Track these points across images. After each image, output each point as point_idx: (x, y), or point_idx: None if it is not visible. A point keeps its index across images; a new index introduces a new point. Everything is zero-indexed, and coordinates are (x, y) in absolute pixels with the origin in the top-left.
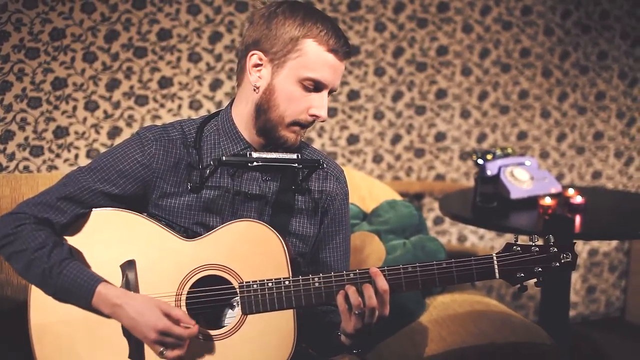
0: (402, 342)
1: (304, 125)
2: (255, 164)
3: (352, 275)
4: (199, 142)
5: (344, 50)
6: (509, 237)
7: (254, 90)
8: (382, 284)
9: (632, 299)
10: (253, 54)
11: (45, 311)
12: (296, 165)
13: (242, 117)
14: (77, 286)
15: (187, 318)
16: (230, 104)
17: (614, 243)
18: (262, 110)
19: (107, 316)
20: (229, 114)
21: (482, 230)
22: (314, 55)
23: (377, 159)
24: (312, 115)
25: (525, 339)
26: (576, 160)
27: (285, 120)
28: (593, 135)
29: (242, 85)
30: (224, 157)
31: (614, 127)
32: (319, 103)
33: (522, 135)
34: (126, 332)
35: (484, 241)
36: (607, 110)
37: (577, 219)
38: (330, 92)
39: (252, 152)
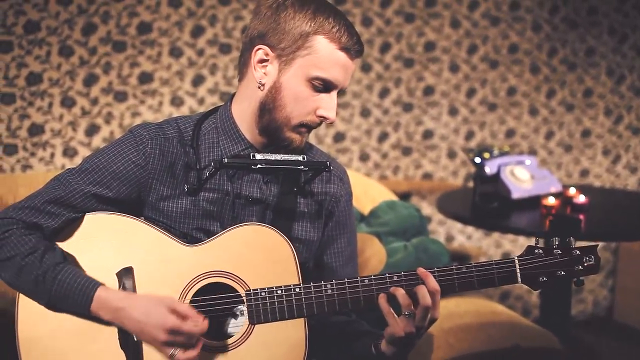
0: None
1: (311, 127)
2: (259, 166)
3: (366, 282)
4: (196, 140)
5: (356, 48)
6: (496, 237)
7: (259, 87)
8: (433, 284)
9: (619, 299)
10: (259, 49)
11: (34, 324)
12: (302, 167)
13: (244, 115)
14: (73, 291)
15: (195, 313)
16: (230, 100)
17: (602, 242)
18: (267, 110)
19: (107, 323)
20: (229, 111)
21: (469, 230)
22: (325, 54)
23: (364, 157)
24: (319, 117)
25: (535, 344)
26: (564, 158)
27: (292, 121)
28: (581, 133)
29: (245, 80)
30: (225, 160)
31: (601, 125)
32: (328, 104)
33: (510, 133)
34: (124, 344)
35: (472, 241)
36: (595, 108)
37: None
38: (339, 92)
39: (255, 154)
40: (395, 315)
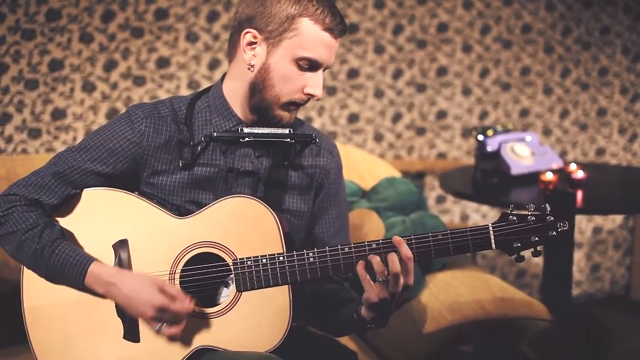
0: (402, 319)
1: (299, 104)
2: (247, 139)
3: (346, 249)
4: (189, 118)
5: (340, 28)
6: None
7: (249, 68)
8: (406, 251)
9: (637, 277)
10: (247, 32)
11: (38, 294)
12: (288, 140)
13: (235, 94)
14: (69, 266)
15: (182, 294)
16: (221, 80)
17: (619, 220)
18: (257, 90)
19: (101, 296)
20: (220, 90)
21: (484, 209)
22: (310, 35)
23: (378, 138)
24: (307, 94)
25: (525, 315)
26: (579, 137)
27: (281, 99)
28: (596, 112)
29: (235, 61)
30: (215, 133)
31: (617, 103)
32: (315, 82)
33: (524, 112)
34: (120, 313)
35: (487, 219)
36: (610, 86)
37: (579, 194)
38: (324, 69)
39: (244, 128)
40: (371, 282)
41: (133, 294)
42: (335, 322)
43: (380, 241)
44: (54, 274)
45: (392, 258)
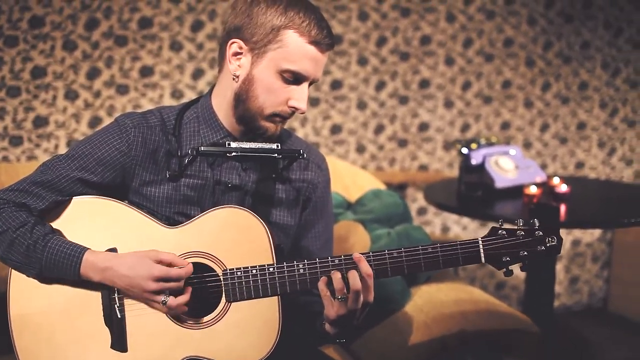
0: (387, 331)
1: (284, 117)
2: (233, 154)
3: (337, 261)
4: (178, 129)
5: (326, 42)
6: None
7: (234, 79)
8: (366, 268)
9: (614, 290)
10: (233, 42)
11: (24, 302)
12: (276, 155)
13: (222, 105)
14: (63, 257)
15: (178, 258)
16: (210, 91)
17: (597, 233)
18: (241, 100)
19: (97, 284)
20: (209, 101)
21: (465, 221)
22: (295, 47)
23: (360, 149)
24: (291, 107)
25: (510, 326)
26: (559, 151)
27: (265, 111)
28: (576, 126)
29: (223, 72)
30: (202, 148)
31: (597, 117)
32: (299, 95)
33: (505, 125)
34: (108, 321)
35: (468, 232)
36: (590, 101)
37: (562, 207)
38: (311, 83)
39: (231, 142)
40: (331, 298)
41: (130, 272)
42: (310, 333)
43: (371, 253)
44: (49, 268)
45: (353, 275)
